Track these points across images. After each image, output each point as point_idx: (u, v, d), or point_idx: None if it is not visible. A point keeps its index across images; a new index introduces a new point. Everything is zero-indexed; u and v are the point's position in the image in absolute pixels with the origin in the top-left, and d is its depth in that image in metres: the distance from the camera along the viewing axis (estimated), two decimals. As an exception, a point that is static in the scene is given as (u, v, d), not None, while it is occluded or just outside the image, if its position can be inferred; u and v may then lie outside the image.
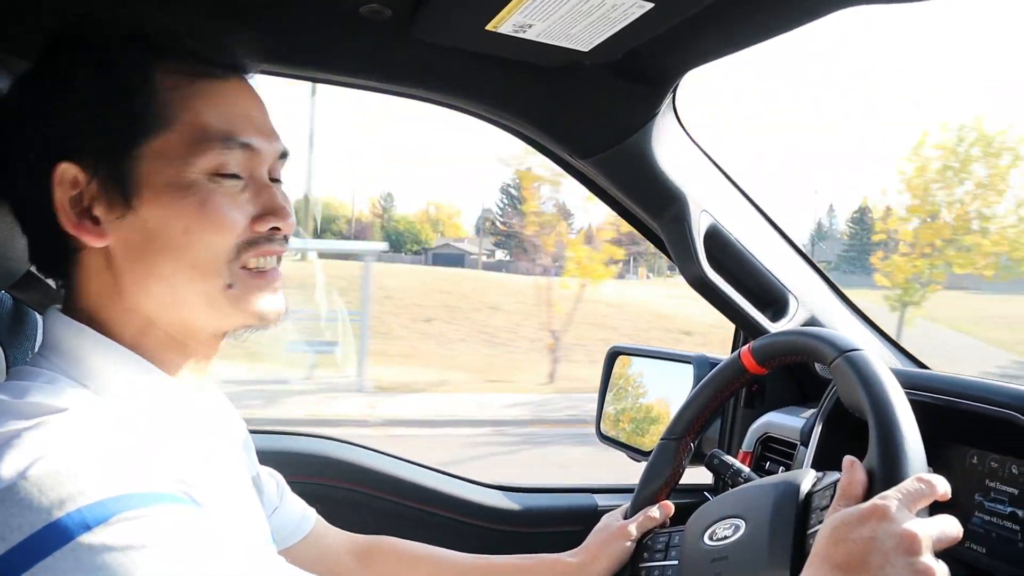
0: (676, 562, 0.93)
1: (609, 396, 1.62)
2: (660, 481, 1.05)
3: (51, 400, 0.60)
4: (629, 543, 1.01)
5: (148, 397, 0.68)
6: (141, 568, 0.53)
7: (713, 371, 1.03)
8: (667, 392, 1.52)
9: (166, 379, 0.70)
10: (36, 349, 0.99)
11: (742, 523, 0.85)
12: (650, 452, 1.46)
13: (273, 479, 0.97)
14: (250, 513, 0.78)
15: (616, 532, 1.03)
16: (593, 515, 1.30)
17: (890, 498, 0.69)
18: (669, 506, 1.03)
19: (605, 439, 1.60)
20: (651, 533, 1.01)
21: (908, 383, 0.84)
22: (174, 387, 0.71)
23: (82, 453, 0.55)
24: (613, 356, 1.64)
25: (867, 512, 0.69)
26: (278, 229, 0.71)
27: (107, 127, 0.66)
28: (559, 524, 1.45)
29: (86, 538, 0.52)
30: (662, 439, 1.06)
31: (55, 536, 0.52)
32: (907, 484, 0.71)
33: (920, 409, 0.79)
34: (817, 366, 1.33)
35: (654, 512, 1.02)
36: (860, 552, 0.67)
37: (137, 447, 0.59)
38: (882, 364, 0.82)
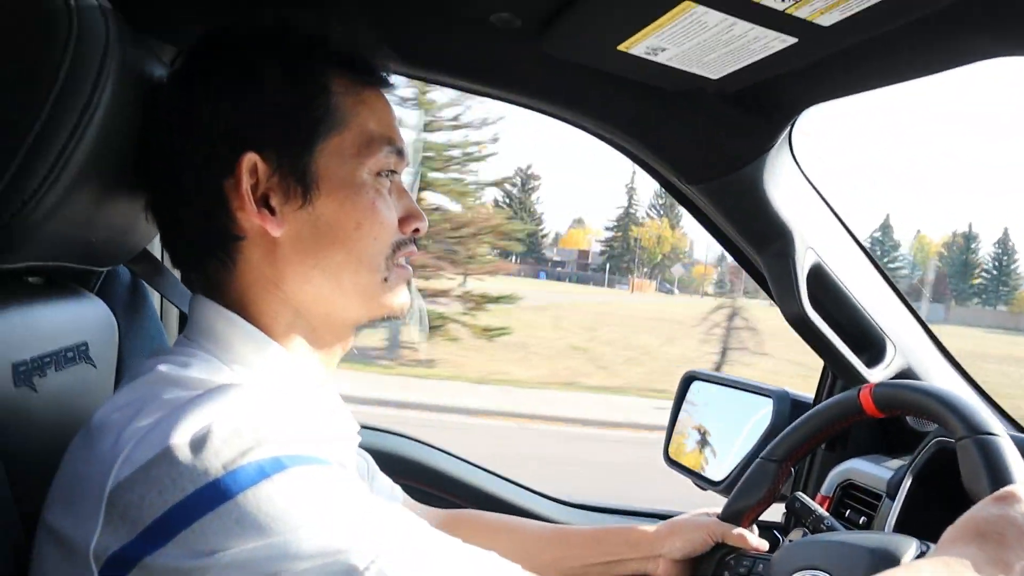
0: None
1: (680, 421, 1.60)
2: (752, 499, 1.02)
3: (211, 375, 0.65)
4: (711, 540, 1.00)
5: (290, 383, 0.72)
6: (313, 518, 0.55)
7: (828, 402, 1.01)
8: (740, 423, 1.48)
9: (304, 368, 0.74)
10: (147, 317, 1.04)
11: None
12: (720, 482, 1.44)
13: (364, 460, 1.00)
14: None
15: (703, 524, 1.02)
16: None
17: (1017, 487, 0.74)
18: (765, 545, 1.00)
19: (672, 463, 1.57)
20: (735, 552, 0.99)
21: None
22: (311, 376, 0.75)
23: (252, 418, 0.58)
24: (688, 380, 1.61)
25: (998, 495, 0.74)
26: (418, 231, 0.78)
27: (293, 124, 0.70)
28: None
29: (264, 486, 0.54)
30: (761, 458, 1.04)
31: (234, 484, 0.54)
32: None
33: None
34: (910, 419, 1.29)
35: (751, 538, 1.00)
36: (996, 526, 0.70)
37: (296, 421, 0.62)
38: (1016, 456, 0.79)
